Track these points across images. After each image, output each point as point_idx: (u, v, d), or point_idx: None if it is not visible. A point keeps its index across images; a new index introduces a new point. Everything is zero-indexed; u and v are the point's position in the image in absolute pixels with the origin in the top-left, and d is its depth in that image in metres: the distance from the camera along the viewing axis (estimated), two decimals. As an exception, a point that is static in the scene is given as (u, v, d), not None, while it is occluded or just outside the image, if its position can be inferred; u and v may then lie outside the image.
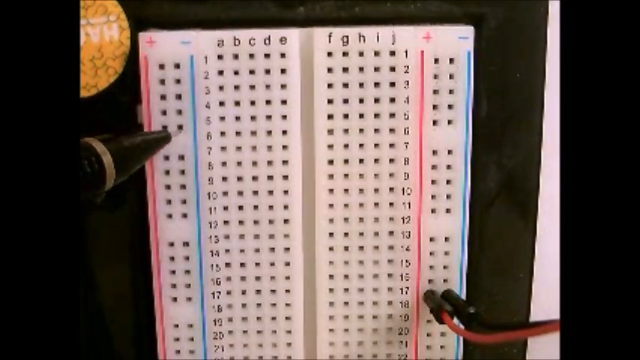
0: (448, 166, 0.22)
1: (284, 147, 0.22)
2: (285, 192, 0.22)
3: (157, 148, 0.21)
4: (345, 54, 0.21)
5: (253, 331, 0.23)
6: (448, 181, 0.22)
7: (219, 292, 0.23)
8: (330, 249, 0.23)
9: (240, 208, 0.22)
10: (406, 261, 0.23)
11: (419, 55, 0.22)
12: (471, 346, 0.23)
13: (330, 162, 0.22)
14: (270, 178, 0.22)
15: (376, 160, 0.22)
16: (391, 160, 0.22)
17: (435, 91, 0.22)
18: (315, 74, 0.22)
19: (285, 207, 0.22)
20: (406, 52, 0.22)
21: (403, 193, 0.22)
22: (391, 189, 0.22)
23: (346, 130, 0.22)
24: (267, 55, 0.21)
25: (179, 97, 0.21)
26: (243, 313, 0.23)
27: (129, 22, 0.21)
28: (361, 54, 0.21)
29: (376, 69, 0.22)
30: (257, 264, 0.23)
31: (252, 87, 0.22)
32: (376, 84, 0.22)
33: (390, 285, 0.23)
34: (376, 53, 0.22)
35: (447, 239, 0.23)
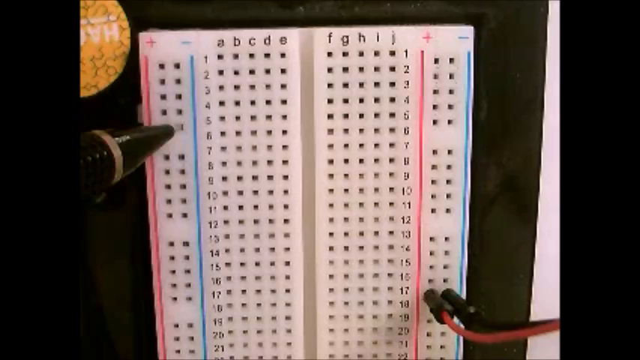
0: (448, 166, 0.22)
1: (284, 147, 0.22)
2: (285, 192, 0.22)
3: (160, 143, 0.21)
4: (345, 54, 0.21)
5: (253, 331, 0.23)
6: (448, 181, 0.22)
7: (219, 292, 0.23)
8: (330, 248, 0.23)
9: (240, 207, 0.22)
10: (406, 261, 0.23)
11: (419, 55, 0.22)
12: (471, 346, 0.24)
13: (330, 162, 0.22)
14: (270, 177, 0.22)
15: (376, 160, 0.22)
16: (391, 160, 0.22)
17: (435, 91, 0.22)
18: (315, 74, 0.22)
19: (285, 206, 0.22)
20: (406, 52, 0.22)
21: (403, 193, 0.22)
22: (391, 189, 0.22)
23: (346, 130, 0.22)
24: (267, 55, 0.21)
25: (179, 97, 0.21)
26: (243, 312, 0.23)
27: (129, 22, 0.21)
28: (361, 54, 0.21)
29: (376, 69, 0.22)
30: (257, 263, 0.23)
31: (252, 87, 0.22)
32: (376, 84, 0.22)
33: (390, 285, 0.23)
34: (376, 53, 0.22)
35: (447, 239, 0.23)
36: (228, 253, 0.23)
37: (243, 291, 0.23)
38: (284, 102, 0.22)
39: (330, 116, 0.22)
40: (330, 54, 0.21)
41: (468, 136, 0.22)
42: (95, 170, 0.17)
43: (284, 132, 0.22)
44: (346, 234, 0.23)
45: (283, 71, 0.21)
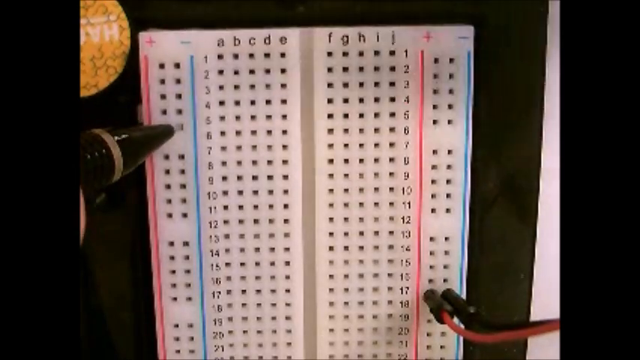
0: (448, 166, 0.22)
1: (284, 147, 0.22)
2: (285, 191, 0.22)
3: (160, 142, 0.21)
4: (345, 54, 0.21)
5: (253, 331, 0.23)
6: (448, 181, 0.22)
7: (219, 292, 0.23)
8: (330, 248, 0.23)
9: (240, 207, 0.22)
10: (406, 261, 0.23)
11: (419, 55, 0.22)
12: (471, 346, 0.23)
13: (330, 161, 0.22)
14: (270, 177, 0.22)
15: (376, 160, 0.22)
16: (391, 160, 0.22)
17: (435, 91, 0.22)
18: (315, 74, 0.22)
19: (285, 206, 0.22)
20: (406, 52, 0.22)
21: (403, 193, 0.22)
22: (391, 188, 0.22)
23: (346, 130, 0.22)
24: (267, 55, 0.21)
25: (179, 96, 0.21)
26: (243, 312, 0.23)
27: (129, 21, 0.21)
28: (361, 54, 0.21)
29: (376, 69, 0.22)
30: (257, 263, 0.23)
31: (252, 87, 0.22)
32: (376, 84, 0.22)
33: (390, 285, 0.23)
34: (376, 53, 0.22)
35: (447, 239, 0.23)
36: (228, 253, 0.23)
37: (243, 291, 0.23)
38: (284, 102, 0.22)
39: (330, 116, 0.22)
40: (330, 54, 0.22)
41: (468, 136, 0.22)
42: (94, 168, 0.17)
43: (284, 132, 0.22)
44: (346, 234, 0.23)
45: (283, 71, 0.21)
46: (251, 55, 0.21)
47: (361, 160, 0.22)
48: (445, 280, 0.23)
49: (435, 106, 0.22)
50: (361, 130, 0.22)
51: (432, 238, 0.23)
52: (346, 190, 0.22)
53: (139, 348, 0.23)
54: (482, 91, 0.22)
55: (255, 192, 0.22)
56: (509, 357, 0.24)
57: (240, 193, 0.22)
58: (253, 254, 0.23)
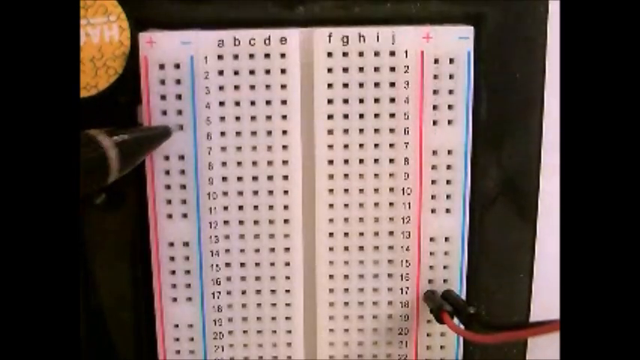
0: (448, 166, 0.22)
1: (284, 147, 0.22)
2: (285, 192, 0.22)
3: (158, 143, 0.21)
4: (345, 54, 0.21)
5: (253, 331, 0.23)
6: (448, 181, 0.22)
7: (219, 292, 0.23)
8: (330, 249, 0.23)
9: (240, 208, 0.22)
10: (406, 261, 0.23)
11: (419, 56, 0.22)
12: (471, 346, 0.23)
13: (330, 162, 0.22)
14: (270, 178, 0.22)
15: (376, 160, 0.22)
16: (391, 160, 0.22)
17: (435, 92, 0.22)
18: (315, 74, 0.22)
19: (285, 207, 0.22)
20: (406, 52, 0.22)
21: (403, 193, 0.22)
22: (391, 189, 0.22)
23: (346, 130, 0.22)
24: (267, 55, 0.21)
25: (179, 97, 0.21)
26: (243, 313, 0.23)
27: (129, 22, 0.21)
28: (361, 54, 0.21)
29: (376, 69, 0.22)
30: (257, 264, 0.23)
31: (252, 87, 0.22)
32: (376, 84, 0.22)
33: (390, 285, 0.23)
34: (376, 53, 0.22)
35: (447, 239, 0.23)
36: (228, 254, 0.23)
37: (243, 291, 0.23)
38: (284, 102, 0.22)
39: (330, 116, 0.22)
40: (330, 54, 0.21)
41: (467, 136, 0.22)
42: (90, 169, 0.17)
43: (284, 132, 0.22)
44: (346, 234, 0.23)
45: (283, 71, 0.21)
46: (251, 56, 0.21)
47: (361, 161, 0.22)
48: (445, 281, 0.23)
49: (435, 107, 0.22)
50: (361, 131, 0.22)
51: (431, 239, 0.23)
52: (346, 191, 0.22)
53: (139, 348, 0.23)
54: (482, 91, 0.22)
55: (255, 192, 0.22)
56: (509, 357, 0.24)
57: (240, 193, 0.22)
58: (253, 255, 0.23)
